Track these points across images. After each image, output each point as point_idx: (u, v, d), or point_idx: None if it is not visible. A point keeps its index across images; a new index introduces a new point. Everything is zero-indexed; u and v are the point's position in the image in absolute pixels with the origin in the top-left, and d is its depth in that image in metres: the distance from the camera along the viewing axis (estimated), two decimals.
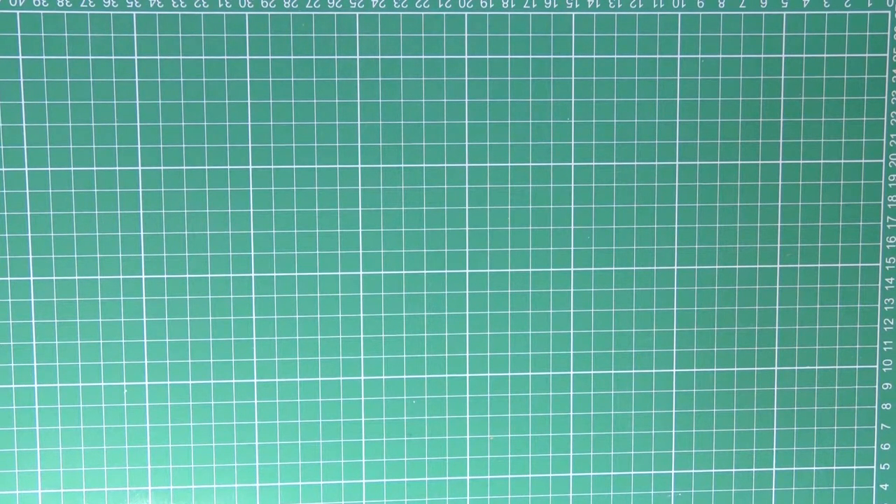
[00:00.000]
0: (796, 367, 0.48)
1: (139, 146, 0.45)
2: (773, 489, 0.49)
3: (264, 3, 0.45)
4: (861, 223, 0.48)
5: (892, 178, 0.47)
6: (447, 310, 0.47)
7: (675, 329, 0.48)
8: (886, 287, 0.48)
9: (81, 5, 0.45)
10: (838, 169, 0.47)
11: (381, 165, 0.46)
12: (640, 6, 0.46)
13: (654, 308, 0.47)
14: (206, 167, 0.45)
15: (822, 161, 0.47)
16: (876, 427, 0.49)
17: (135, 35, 0.45)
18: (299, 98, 0.45)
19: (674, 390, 0.48)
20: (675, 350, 0.48)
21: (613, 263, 0.47)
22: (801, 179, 0.47)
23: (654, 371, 0.48)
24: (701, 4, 0.46)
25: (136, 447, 0.47)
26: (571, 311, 0.47)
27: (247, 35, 0.45)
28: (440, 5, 0.46)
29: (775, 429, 0.48)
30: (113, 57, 0.45)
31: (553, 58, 0.46)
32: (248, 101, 0.45)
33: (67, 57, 0.45)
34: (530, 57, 0.46)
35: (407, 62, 0.46)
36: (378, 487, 0.48)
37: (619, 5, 0.46)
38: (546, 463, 0.48)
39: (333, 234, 0.46)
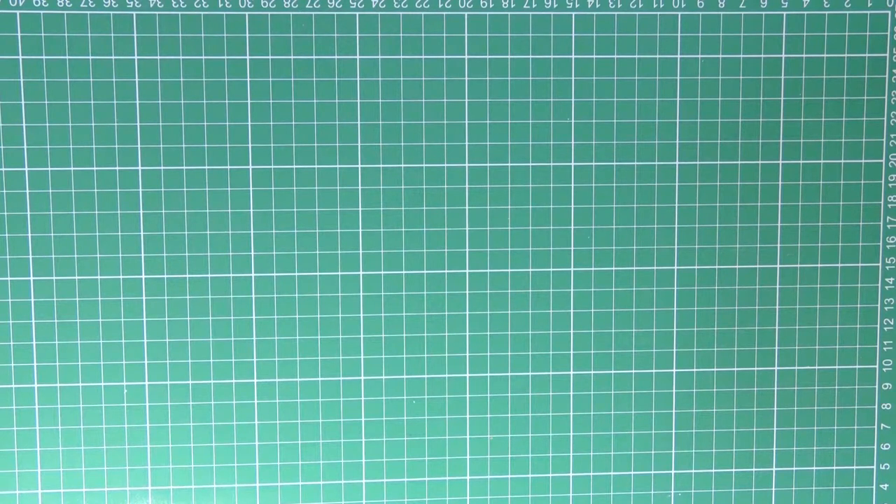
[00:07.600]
0: (796, 367, 0.48)
1: (139, 146, 0.45)
2: (773, 489, 0.49)
3: (264, 3, 0.45)
4: (861, 223, 0.48)
5: (892, 178, 0.47)
6: (447, 310, 0.47)
7: (675, 329, 0.48)
8: (886, 287, 0.48)
9: (81, 5, 0.45)
10: (838, 169, 0.47)
11: (381, 165, 0.46)
12: (640, 6, 0.46)
13: (654, 308, 0.47)
14: (206, 167, 0.45)
15: (822, 161, 0.47)
16: (876, 427, 0.49)
17: (135, 35, 0.45)
18: (299, 98, 0.45)
19: (674, 390, 0.48)
20: (675, 350, 0.48)
21: (613, 263, 0.47)
22: (801, 179, 0.47)
23: (654, 371, 0.48)
24: (701, 4, 0.46)
25: (136, 447, 0.47)
26: (571, 311, 0.47)
27: (247, 35, 0.45)
28: (440, 5, 0.46)
29: (775, 429, 0.48)
30: (113, 57, 0.45)
31: (553, 58, 0.46)
32: (248, 101, 0.45)
33: (67, 57, 0.45)
34: (530, 57, 0.46)
35: (407, 62, 0.46)
36: (378, 487, 0.48)
37: (619, 5, 0.46)
38: (546, 463, 0.48)
39: (333, 234, 0.46)
